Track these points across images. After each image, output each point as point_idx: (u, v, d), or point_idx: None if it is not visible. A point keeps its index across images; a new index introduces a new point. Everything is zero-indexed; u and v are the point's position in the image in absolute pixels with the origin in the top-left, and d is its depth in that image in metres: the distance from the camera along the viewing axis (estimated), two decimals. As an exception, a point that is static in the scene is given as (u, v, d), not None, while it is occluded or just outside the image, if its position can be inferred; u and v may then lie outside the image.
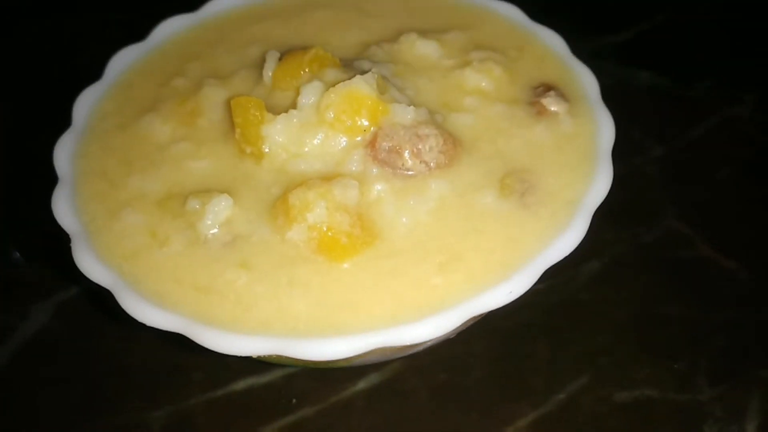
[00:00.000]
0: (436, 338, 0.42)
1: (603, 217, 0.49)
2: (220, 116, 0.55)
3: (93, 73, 0.61)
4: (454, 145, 0.51)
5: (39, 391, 0.57)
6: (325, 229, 0.45)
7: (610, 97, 0.56)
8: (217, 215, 0.47)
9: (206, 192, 0.48)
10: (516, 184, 0.49)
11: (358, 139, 0.50)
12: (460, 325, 0.42)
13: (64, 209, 0.49)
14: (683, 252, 0.66)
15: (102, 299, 0.47)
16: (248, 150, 0.51)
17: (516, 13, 0.63)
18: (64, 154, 0.54)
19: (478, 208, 0.48)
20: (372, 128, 0.50)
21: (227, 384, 0.56)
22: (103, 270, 0.45)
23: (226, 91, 0.56)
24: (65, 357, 0.59)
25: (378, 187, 0.48)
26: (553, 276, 0.48)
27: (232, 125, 0.52)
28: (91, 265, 0.45)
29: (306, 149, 0.50)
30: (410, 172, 0.49)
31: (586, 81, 0.57)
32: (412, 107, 0.50)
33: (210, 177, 0.51)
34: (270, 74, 0.55)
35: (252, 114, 0.51)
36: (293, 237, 0.45)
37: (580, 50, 0.60)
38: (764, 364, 0.57)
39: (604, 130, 0.52)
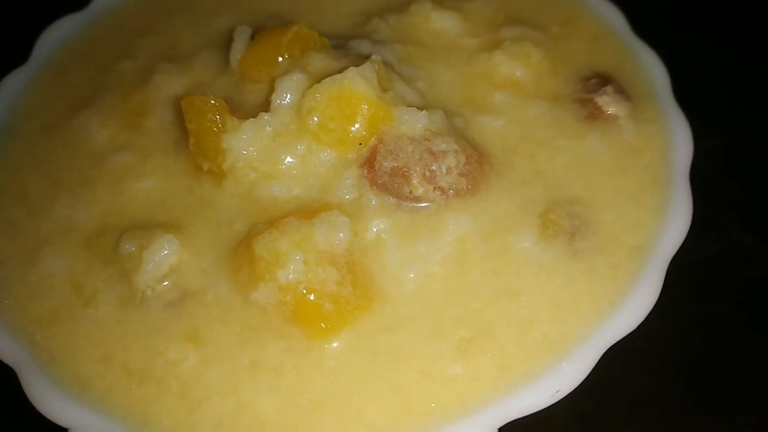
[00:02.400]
0: None
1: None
2: (173, 117, 0.43)
3: (18, 51, 0.49)
4: (479, 163, 0.38)
5: None
6: (303, 290, 0.33)
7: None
8: (159, 265, 0.35)
9: (146, 229, 0.36)
10: (564, 221, 0.37)
11: (351, 155, 0.37)
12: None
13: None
14: (748, 269, 0.52)
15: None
16: (205, 166, 0.39)
17: None
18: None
19: (513, 256, 0.36)
20: (371, 140, 0.37)
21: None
22: (10, 341, 0.34)
23: (183, 80, 0.45)
24: None
25: (377, 224, 0.36)
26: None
27: (185, 132, 0.39)
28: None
29: (281, 167, 0.38)
30: (421, 204, 0.37)
31: (654, 72, 0.44)
32: (424, 112, 0.37)
33: (155, 204, 0.40)
34: (238, 58, 0.42)
35: (210, 119, 0.38)
36: (259, 299, 0.34)
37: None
38: None
39: (680, 141, 0.40)
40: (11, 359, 0.33)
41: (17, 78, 0.47)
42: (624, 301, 0.34)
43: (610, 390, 0.46)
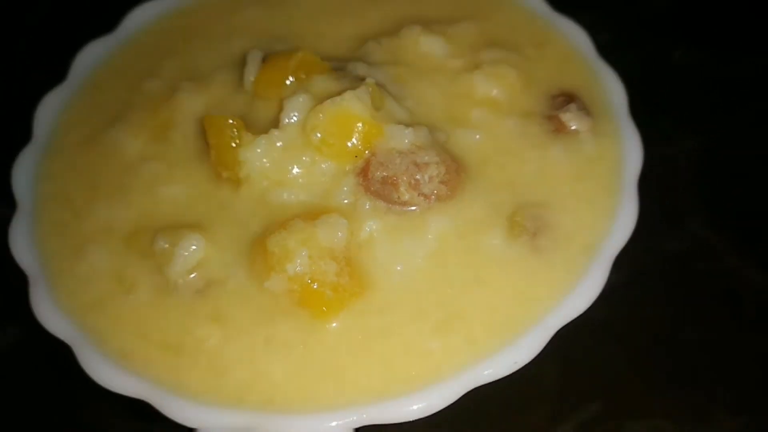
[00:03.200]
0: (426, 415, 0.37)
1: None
2: (196, 129, 0.49)
3: (56, 72, 0.54)
4: (457, 172, 0.45)
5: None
6: (308, 280, 0.40)
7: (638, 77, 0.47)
8: (188, 259, 0.42)
9: (176, 229, 0.43)
10: (527, 222, 0.43)
11: (348, 167, 0.44)
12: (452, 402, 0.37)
13: (23, 245, 0.44)
14: (709, 264, 0.59)
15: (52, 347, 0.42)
16: (225, 175, 0.45)
17: (535, 2, 0.55)
18: (23, 175, 0.48)
19: (483, 252, 0.42)
20: (365, 153, 0.44)
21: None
22: (64, 322, 0.40)
23: (203, 98, 0.51)
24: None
25: (370, 225, 0.43)
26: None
27: (207, 144, 0.46)
28: (51, 315, 0.41)
29: (289, 176, 0.44)
30: (408, 208, 0.43)
31: (612, 90, 0.50)
32: (410, 129, 0.44)
33: (182, 207, 0.46)
34: (251, 80, 0.49)
35: (228, 135, 0.45)
36: (272, 287, 0.40)
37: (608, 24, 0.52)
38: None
39: (632, 153, 0.46)
40: (67, 337, 0.40)
41: (57, 96, 0.53)
42: (575, 290, 0.40)
43: (562, 362, 0.52)
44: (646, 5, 0.73)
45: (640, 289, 0.56)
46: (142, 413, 0.39)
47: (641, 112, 0.51)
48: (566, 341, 0.53)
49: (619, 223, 0.43)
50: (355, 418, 0.36)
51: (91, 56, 0.55)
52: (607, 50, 0.54)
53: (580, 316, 0.55)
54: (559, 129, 0.48)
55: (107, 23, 0.57)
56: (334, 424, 0.36)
